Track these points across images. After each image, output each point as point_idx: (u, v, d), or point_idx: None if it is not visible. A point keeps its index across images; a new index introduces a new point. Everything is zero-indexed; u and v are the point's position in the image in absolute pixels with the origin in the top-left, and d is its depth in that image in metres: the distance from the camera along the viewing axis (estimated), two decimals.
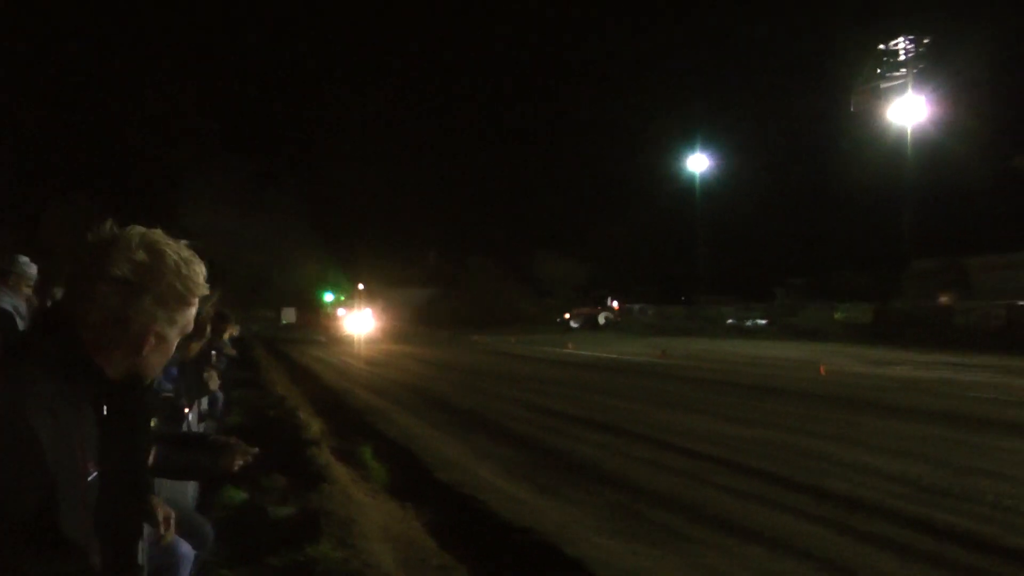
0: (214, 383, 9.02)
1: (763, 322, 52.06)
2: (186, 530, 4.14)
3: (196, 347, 6.71)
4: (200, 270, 2.16)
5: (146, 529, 3.51)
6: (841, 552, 7.42)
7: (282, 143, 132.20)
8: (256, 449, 4.03)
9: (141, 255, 2.06)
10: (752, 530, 8.12)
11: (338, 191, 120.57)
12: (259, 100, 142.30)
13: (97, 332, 2.06)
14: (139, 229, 2.10)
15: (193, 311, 2.19)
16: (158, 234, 2.12)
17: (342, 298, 73.07)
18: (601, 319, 69.00)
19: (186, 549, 4.12)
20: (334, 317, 60.78)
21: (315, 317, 75.08)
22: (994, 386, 19.59)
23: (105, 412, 2.13)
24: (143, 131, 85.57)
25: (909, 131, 55.78)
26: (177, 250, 2.13)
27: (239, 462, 3.96)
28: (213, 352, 9.95)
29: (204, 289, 2.17)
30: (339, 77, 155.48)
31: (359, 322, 56.34)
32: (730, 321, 55.38)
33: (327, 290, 78.69)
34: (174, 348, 2.21)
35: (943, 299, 44.62)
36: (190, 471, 4.54)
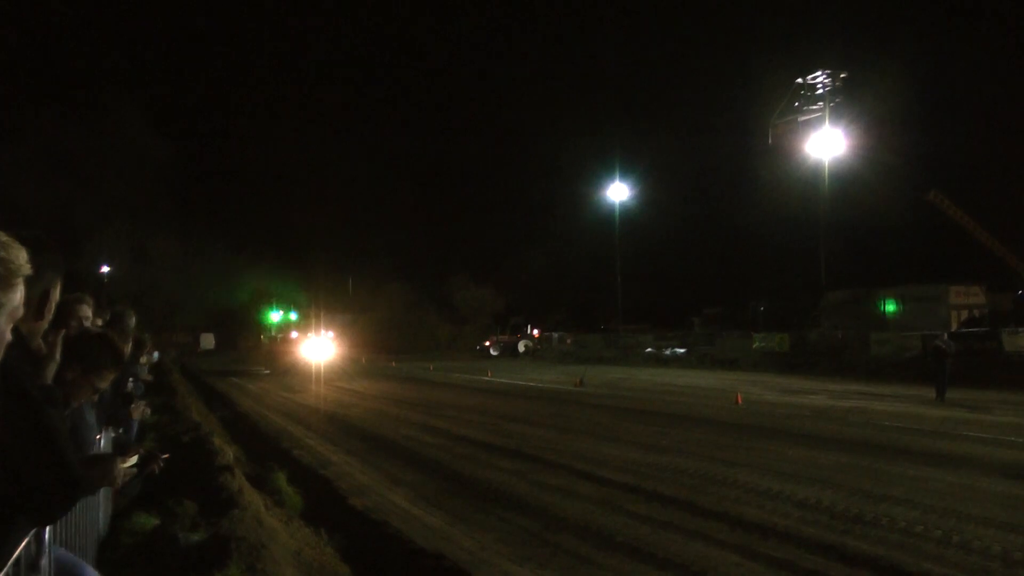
0: (138, 414, 8.92)
1: (681, 351, 52.37)
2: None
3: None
4: (20, 252, 2.11)
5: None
6: None
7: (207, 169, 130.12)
8: (136, 458, 4.00)
9: None
10: (664, 557, 8.18)
11: (259, 214, 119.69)
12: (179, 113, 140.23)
13: None
14: None
15: (19, 294, 2.13)
16: None
17: (291, 318, 62.58)
18: (521, 347, 69.14)
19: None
20: (284, 342, 51.83)
21: (255, 342, 67.06)
22: (906, 415, 19.97)
23: None
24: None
25: (826, 164, 56.85)
26: None
27: (117, 472, 3.93)
28: (130, 379, 9.81)
29: (26, 269, 2.13)
30: (257, 108, 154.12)
31: (317, 348, 46.45)
32: (648, 350, 55.64)
33: (273, 308, 66.51)
34: (8, 334, 2.16)
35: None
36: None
